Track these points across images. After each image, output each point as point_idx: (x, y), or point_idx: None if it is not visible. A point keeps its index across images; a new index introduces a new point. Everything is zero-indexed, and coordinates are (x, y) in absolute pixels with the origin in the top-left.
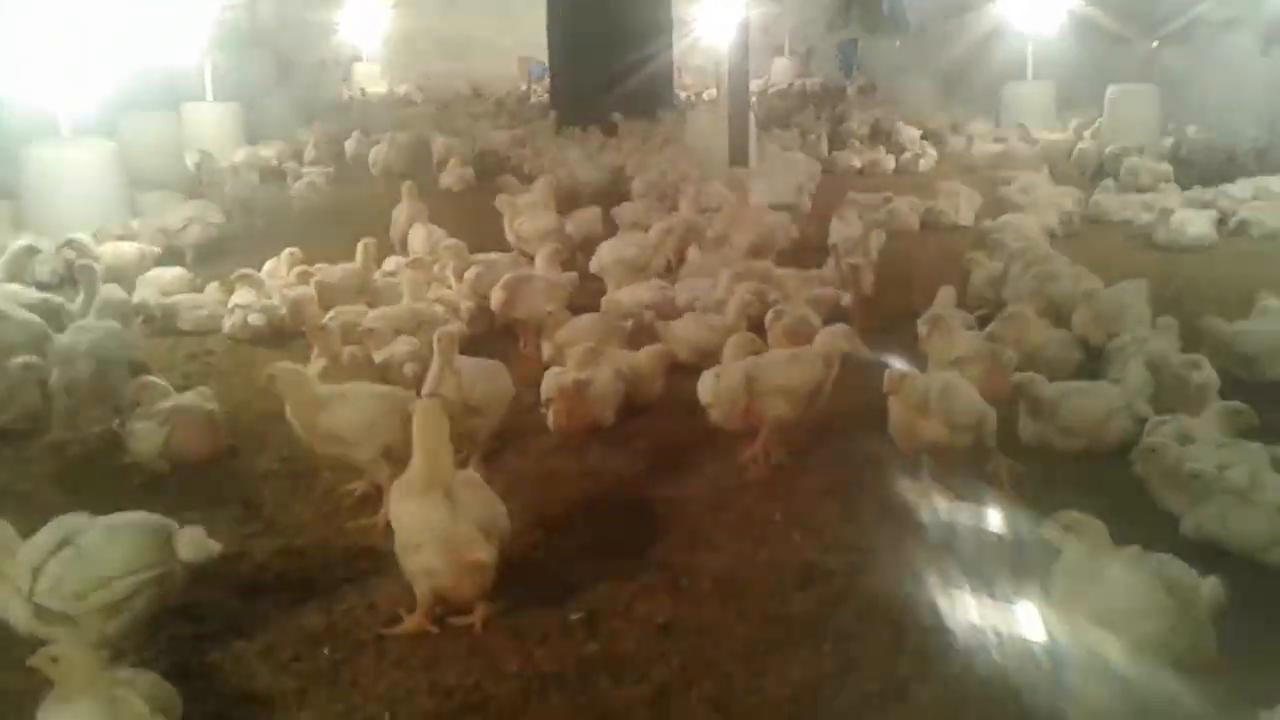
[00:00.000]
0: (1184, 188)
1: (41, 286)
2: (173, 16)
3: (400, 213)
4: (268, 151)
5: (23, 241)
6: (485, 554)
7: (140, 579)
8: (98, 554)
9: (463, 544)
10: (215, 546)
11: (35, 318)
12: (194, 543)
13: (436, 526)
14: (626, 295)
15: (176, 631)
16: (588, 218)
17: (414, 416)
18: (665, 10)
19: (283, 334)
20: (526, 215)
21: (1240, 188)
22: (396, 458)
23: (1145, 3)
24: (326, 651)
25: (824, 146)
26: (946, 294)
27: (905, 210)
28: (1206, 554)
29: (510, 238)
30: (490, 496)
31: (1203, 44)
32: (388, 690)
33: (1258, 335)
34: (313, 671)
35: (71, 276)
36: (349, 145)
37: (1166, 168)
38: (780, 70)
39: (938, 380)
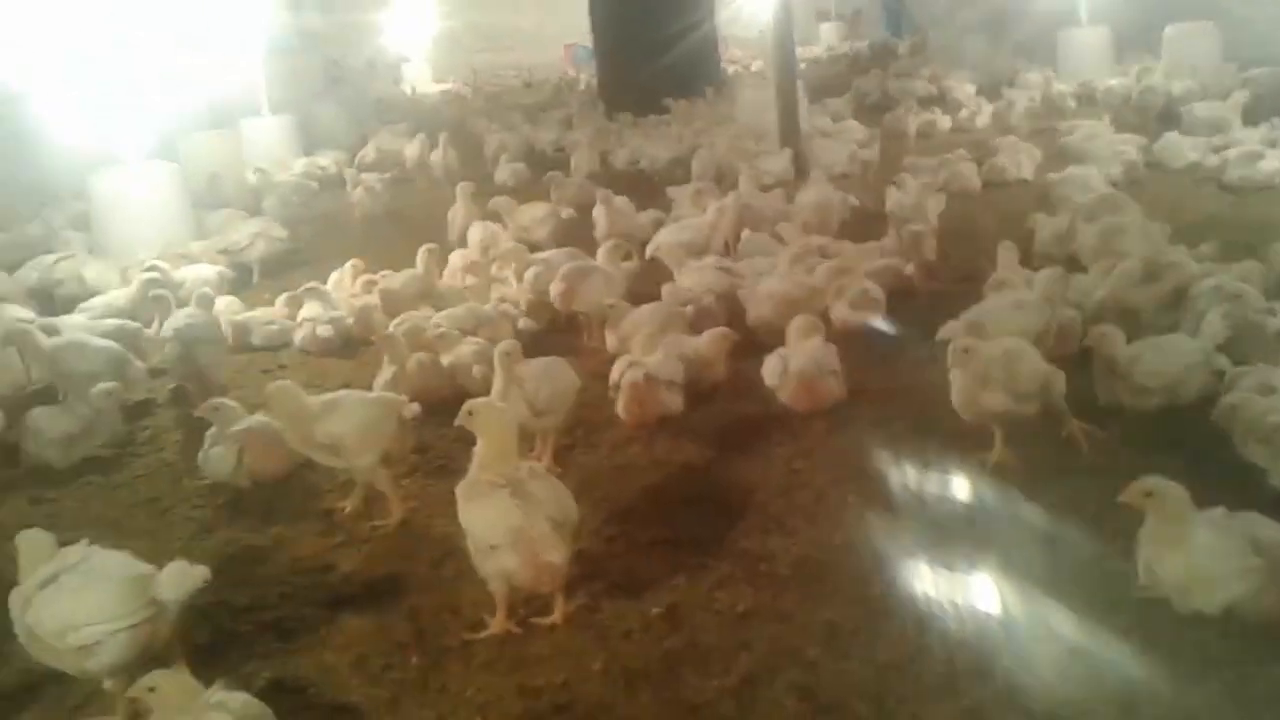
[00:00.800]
0: (1253, 124)
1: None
2: (224, 33)
3: (456, 214)
4: (325, 160)
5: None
6: (561, 550)
7: (109, 628)
8: (71, 598)
9: (538, 542)
10: (199, 576)
11: (113, 344)
12: (175, 580)
13: (511, 526)
14: (690, 280)
15: (268, 648)
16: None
17: (477, 420)
18: None
19: (352, 344)
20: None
21: None
22: (393, 461)
23: None
24: (415, 660)
25: (910, 121)
26: (1008, 253)
27: (965, 170)
28: None
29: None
30: (557, 486)
31: None
32: (477, 694)
33: None
34: (403, 681)
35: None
36: (411, 148)
37: (1236, 100)
38: (827, 34)
39: (999, 348)
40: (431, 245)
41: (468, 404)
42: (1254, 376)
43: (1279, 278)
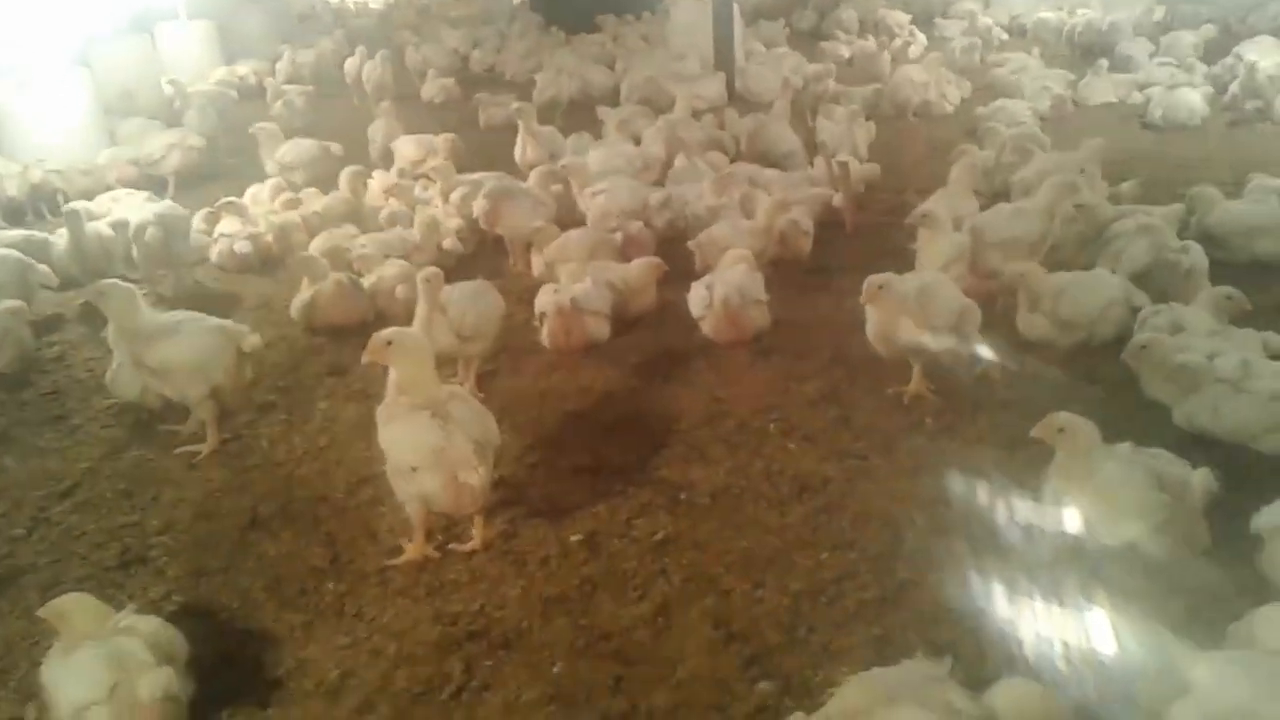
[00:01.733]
0: (1177, 63)
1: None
2: None
3: (377, 131)
4: (245, 69)
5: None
6: (481, 472)
7: None
8: None
9: (458, 463)
10: None
11: (15, 252)
12: None
13: (431, 447)
14: (612, 201)
15: (180, 571)
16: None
17: (394, 352)
18: None
19: (270, 261)
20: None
21: (1234, 59)
22: (224, 395)
23: None
24: (331, 585)
25: (882, 58)
26: (964, 169)
27: (905, 88)
28: (1199, 443)
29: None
30: (478, 408)
31: None
32: (393, 620)
33: (1248, 214)
34: (318, 606)
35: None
36: (350, 62)
37: (1206, 31)
38: None
39: (914, 283)
40: (357, 168)
41: (381, 335)
42: (1165, 315)
43: (1199, 219)
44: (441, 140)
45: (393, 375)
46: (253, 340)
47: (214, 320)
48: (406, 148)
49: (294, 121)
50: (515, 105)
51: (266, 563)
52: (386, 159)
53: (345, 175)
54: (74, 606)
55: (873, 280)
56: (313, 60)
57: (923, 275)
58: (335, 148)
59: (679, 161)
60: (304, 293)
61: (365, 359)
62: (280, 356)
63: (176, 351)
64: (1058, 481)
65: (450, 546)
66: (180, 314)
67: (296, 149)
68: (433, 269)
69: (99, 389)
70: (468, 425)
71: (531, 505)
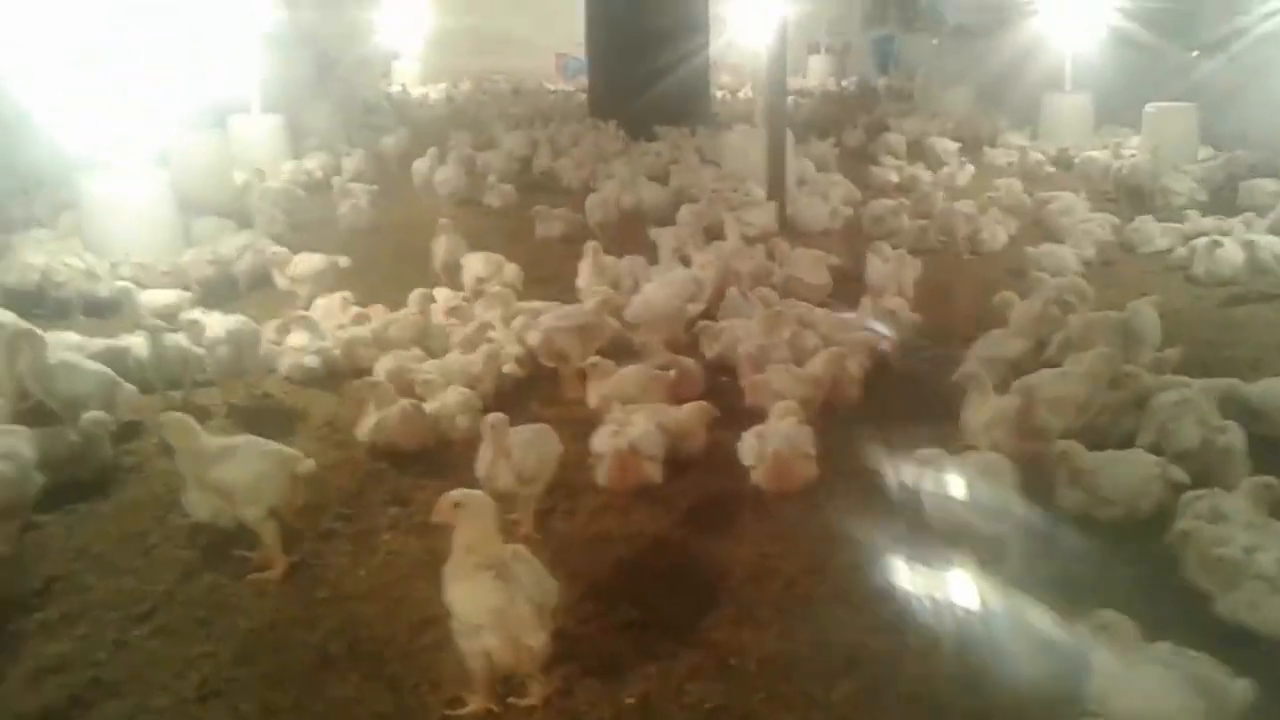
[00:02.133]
0: (1228, 213)
1: None
2: (221, 26)
3: (439, 246)
4: (313, 163)
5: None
6: (541, 633)
7: None
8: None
9: (520, 624)
10: None
11: (104, 368)
12: None
13: (493, 608)
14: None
15: (252, 707)
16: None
17: (463, 513)
18: (703, 9)
19: (336, 375)
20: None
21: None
22: (281, 515)
23: (1184, 16)
24: None
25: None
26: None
27: (954, 221)
28: (1240, 636)
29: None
30: (539, 569)
31: (1244, 57)
32: None
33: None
34: None
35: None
36: (418, 165)
37: (1191, 186)
38: (816, 68)
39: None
40: (424, 290)
41: (449, 497)
42: (1206, 502)
43: (1238, 397)
44: (510, 270)
45: (459, 534)
46: (307, 465)
47: (271, 445)
48: (475, 265)
49: (359, 222)
50: (588, 245)
51: (335, 705)
52: (447, 274)
53: (414, 296)
54: None
55: (922, 456)
56: (376, 157)
57: (971, 457)
58: (343, 261)
59: (730, 293)
60: (370, 417)
61: (434, 519)
62: (344, 480)
63: (232, 473)
64: (1098, 681)
65: (509, 700)
66: (239, 438)
67: (307, 263)
68: (499, 415)
69: (174, 505)
70: (529, 587)
71: (585, 662)
